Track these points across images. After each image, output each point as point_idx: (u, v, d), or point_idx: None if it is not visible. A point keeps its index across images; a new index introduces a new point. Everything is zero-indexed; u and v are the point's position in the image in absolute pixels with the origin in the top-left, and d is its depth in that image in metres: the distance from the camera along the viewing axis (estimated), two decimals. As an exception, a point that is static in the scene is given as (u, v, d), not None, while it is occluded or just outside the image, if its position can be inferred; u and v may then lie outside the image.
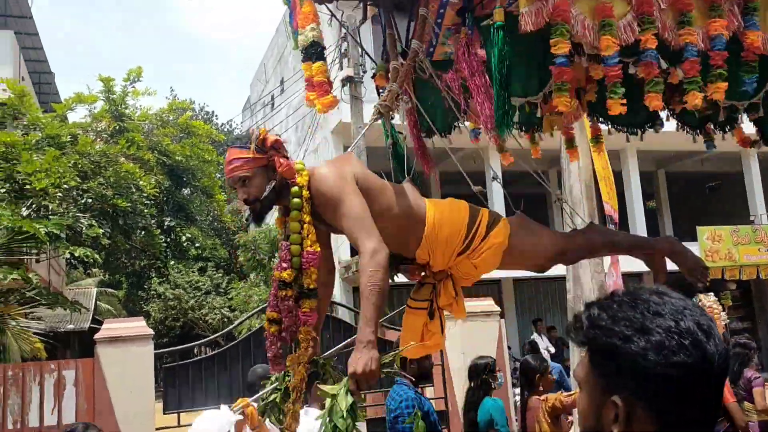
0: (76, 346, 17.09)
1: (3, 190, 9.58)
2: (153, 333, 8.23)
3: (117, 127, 12.07)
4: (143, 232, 12.36)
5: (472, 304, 8.84)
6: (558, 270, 3.67)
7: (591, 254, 3.30)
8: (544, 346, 12.70)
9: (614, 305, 1.03)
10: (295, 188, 2.70)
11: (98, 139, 11.58)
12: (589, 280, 7.75)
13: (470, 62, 3.05)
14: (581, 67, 3.31)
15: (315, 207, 2.73)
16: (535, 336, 12.95)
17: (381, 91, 3.47)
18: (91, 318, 16.59)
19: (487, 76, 3.03)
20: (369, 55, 3.40)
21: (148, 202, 11.87)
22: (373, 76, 3.60)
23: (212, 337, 8.97)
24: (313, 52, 3.01)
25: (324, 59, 3.05)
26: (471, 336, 8.49)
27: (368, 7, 3.53)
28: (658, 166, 18.20)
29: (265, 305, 3.11)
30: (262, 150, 2.73)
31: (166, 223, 14.67)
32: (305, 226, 2.69)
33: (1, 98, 11.63)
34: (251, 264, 14.31)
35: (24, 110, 11.00)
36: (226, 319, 18.87)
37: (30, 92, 12.81)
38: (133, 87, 11.66)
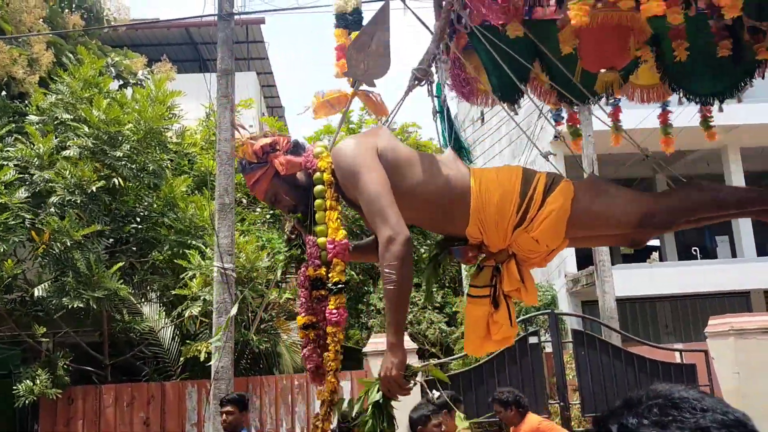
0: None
1: (269, 216, 10.75)
2: (415, 347, 8.69)
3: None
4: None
5: (745, 320, 8.23)
6: None
7: (689, 215, 2.69)
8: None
9: (648, 410, 0.92)
10: (317, 174, 2.46)
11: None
12: None
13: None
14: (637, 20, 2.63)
15: (342, 188, 2.47)
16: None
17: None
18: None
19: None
20: (428, 29, 2.96)
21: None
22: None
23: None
24: (352, 20, 2.78)
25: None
26: (746, 354, 7.93)
27: None
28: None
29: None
30: (261, 163, 2.52)
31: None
32: (328, 212, 2.42)
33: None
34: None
35: (280, 144, 12.30)
36: (443, 334, 19.26)
37: (286, 126, 14.18)
38: (369, 116, 12.59)
